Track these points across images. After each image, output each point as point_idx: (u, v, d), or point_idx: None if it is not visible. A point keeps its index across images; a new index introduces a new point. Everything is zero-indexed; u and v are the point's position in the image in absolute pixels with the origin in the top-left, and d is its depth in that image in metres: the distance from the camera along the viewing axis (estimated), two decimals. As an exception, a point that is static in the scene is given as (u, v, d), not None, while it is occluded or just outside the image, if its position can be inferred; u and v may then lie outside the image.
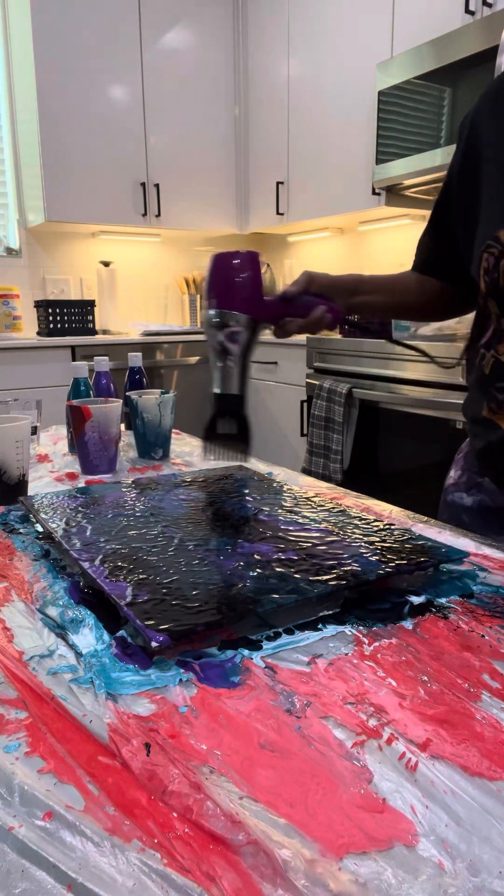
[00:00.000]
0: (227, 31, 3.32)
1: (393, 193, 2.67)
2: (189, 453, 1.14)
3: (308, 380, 2.65)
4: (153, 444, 1.08)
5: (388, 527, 0.68)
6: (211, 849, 0.31)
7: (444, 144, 2.27)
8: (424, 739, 0.38)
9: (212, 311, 0.78)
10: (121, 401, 1.03)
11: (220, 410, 0.80)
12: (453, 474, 0.92)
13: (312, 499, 0.78)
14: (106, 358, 1.27)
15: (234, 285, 0.78)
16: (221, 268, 0.79)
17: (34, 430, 1.17)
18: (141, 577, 0.56)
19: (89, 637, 0.50)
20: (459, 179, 0.83)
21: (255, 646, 0.48)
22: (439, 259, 0.90)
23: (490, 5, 2.12)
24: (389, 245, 3.11)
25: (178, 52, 3.20)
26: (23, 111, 3.11)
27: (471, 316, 0.86)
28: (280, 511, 0.73)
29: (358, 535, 0.66)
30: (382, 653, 0.48)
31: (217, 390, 0.80)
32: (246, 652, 0.48)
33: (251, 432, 0.81)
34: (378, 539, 0.65)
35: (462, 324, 1.93)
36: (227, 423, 0.80)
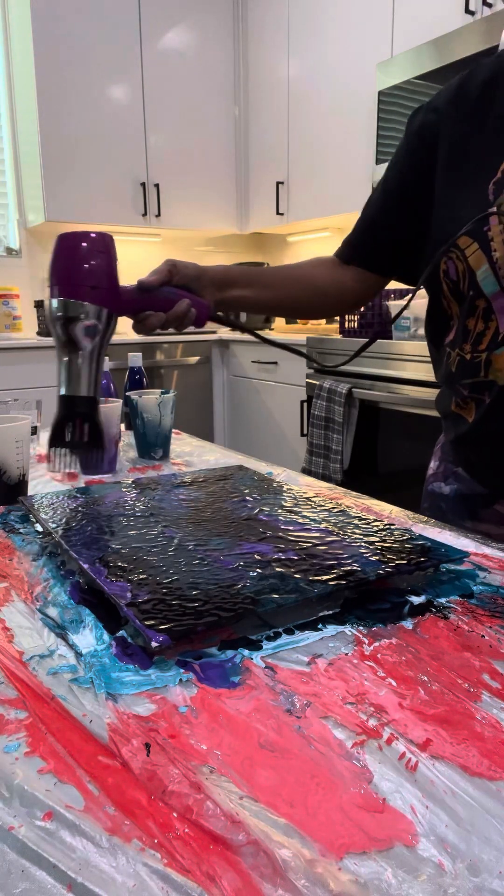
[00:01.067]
0: (227, 31, 3.32)
1: (393, 193, 2.67)
2: (189, 453, 1.14)
3: (308, 380, 2.64)
4: (153, 444, 1.08)
5: (388, 527, 0.68)
6: (211, 849, 0.31)
7: (444, 144, 2.27)
8: (424, 739, 0.38)
9: (56, 301, 0.68)
10: (121, 401, 1.03)
11: (68, 415, 0.70)
12: (433, 465, 0.93)
13: (312, 499, 0.78)
14: (106, 358, 1.27)
15: (83, 271, 0.67)
16: (68, 250, 0.68)
17: (34, 430, 1.17)
18: (141, 577, 0.56)
19: (89, 637, 0.50)
20: (408, 174, 0.81)
21: (255, 646, 0.48)
22: (373, 250, 0.88)
23: (490, 5, 2.12)
24: (389, 245, 3.10)
25: (178, 51, 3.20)
26: (23, 111, 3.11)
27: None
28: (280, 511, 0.73)
29: (358, 535, 0.66)
30: (382, 653, 0.48)
31: (63, 391, 0.70)
32: (246, 652, 0.48)
33: (103, 442, 0.73)
34: (378, 539, 0.65)
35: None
36: (77, 429, 0.70)
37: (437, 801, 0.34)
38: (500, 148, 0.71)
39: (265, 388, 3.06)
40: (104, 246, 0.69)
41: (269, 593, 0.52)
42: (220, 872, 0.30)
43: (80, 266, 0.68)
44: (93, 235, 0.69)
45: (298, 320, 3.23)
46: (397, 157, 0.83)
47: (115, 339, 3.02)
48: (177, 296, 0.75)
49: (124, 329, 3.48)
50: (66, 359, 0.70)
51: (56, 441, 0.71)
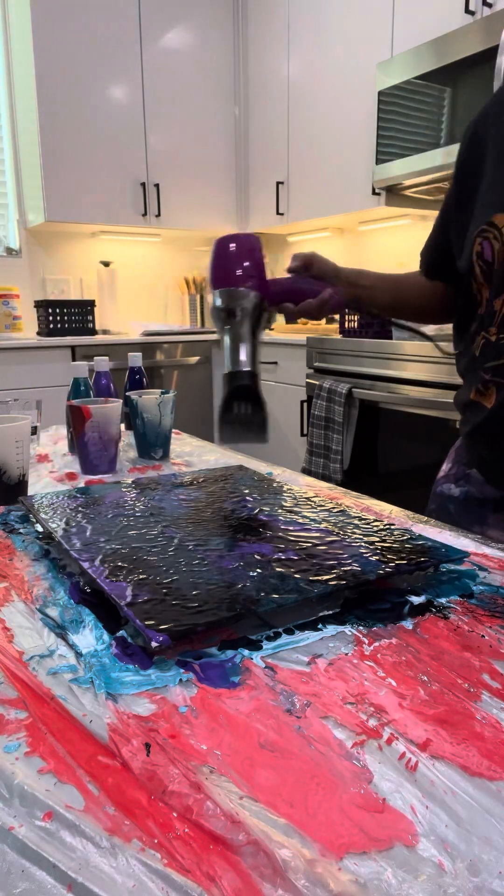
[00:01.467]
0: (227, 31, 3.32)
1: (393, 193, 2.67)
2: (189, 453, 1.14)
3: (308, 380, 2.64)
4: (153, 444, 1.08)
5: (388, 527, 0.68)
6: (211, 849, 0.31)
7: (443, 144, 2.27)
8: (424, 739, 0.38)
9: (218, 290, 0.79)
10: (121, 401, 1.03)
11: (234, 390, 0.78)
12: (445, 467, 0.93)
13: (312, 499, 0.78)
14: (106, 358, 1.27)
15: (238, 263, 0.79)
16: (224, 248, 0.80)
17: (34, 430, 1.17)
18: (141, 577, 0.56)
19: (89, 637, 0.50)
20: (461, 176, 0.83)
21: (255, 646, 0.48)
22: (443, 260, 0.91)
23: (490, 5, 2.12)
24: (389, 245, 3.11)
25: (178, 52, 3.20)
26: (23, 111, 3.11)
27: None
28: (280, 511, 0.73)
29: (358, 535, 0.66)
30: (382, 653, 0.48)
31: (229, 369, 0.78)
32: (246, 652, 0.48)
33: (267, 412, 0.79)
34: (378, 539, 0.65)
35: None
36: (242, 404, 0.78)
37: (437, 801, 0.34)
38: None
39: (265, 388, 3.05)
40: (254, 244, 0.81)
41: (269, 593, 0.52)
42: (220, 872, 0.30)
43: (235, 259, 0.79)
44: (244, 236, 0.81)
45: (303, 321, 3.22)
46: (455, 170, 0.85)
47: (115, 339, 3.02)
48: (317, 285, 0.84)
49: (124, 329, 3.47)
50: (228, 341, 0.79)
51: (225, 416, 0.78)
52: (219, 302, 0.79)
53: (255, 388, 0.78)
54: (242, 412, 0.78)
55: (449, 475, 0.91)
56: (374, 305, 0.94)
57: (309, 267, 0.85)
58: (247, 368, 0.78)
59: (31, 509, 0.75)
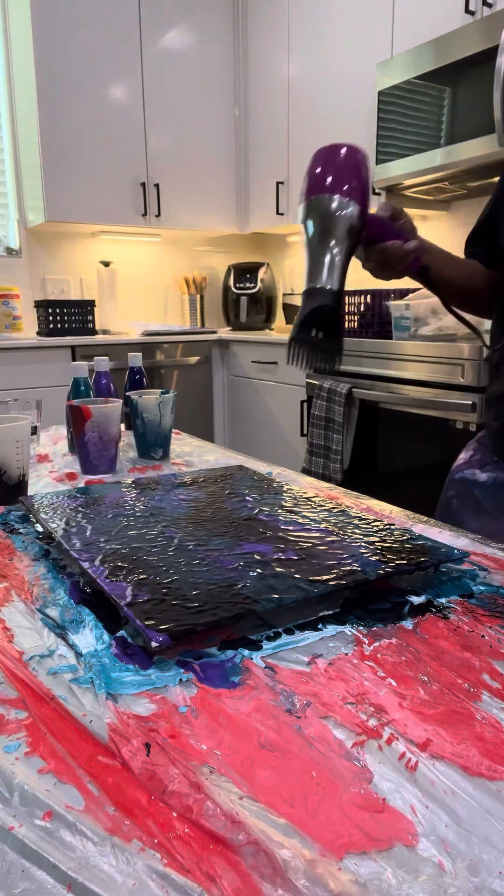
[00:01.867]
0: (227, 31, 3.32)
1: (393, 193, 2.67)
2: (189, 453, 1.14)
3: (308, 380, 2.64)
4: (153, 444, 1.08)
5: (388, 527, 0.68)
6: (211, 849, 0.31)
7: (444, 144, 2.27)
8: (424, 739, 0.38)
9: (316, 196, 0.71)
10: (121, 401, 1.03)
11: (313, 310, 0.69)
12: (464, 455, 0.93)
13: (312, 499, 0.78)
14: (106, 358, 1.27)
15: (344, 173, 0.71)
16: (333, 154, 0.73)
17: (34, 430, 1.17)
18: (141, 577, 0.56)
19: (89, 637, 0.50)
20: None
21: (255, 646, 0.48)
22: (487, 239, 0.91)
23: (490, 5, 2.12)
24: (389, 245, 3.11)
25: (178, 52, 3.20)
26: (23, 111, 3.11)
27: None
28: (280, 511, 0.73)
29: (358, 535, 0.66)
30: (382, 653, 0.48)
31: (311, 284, 0.70)
32: (246, 652, 0.48)
33: (342, 338, 0.72)
34: (378, 539, 0.65)
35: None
36: (318, 325, 0.70)
37: (437, 801, 0.34)
38: None
39: (265, 388, 3.06)
40: (361, 159, 0.73)
41: (269, 593, 0.52)
42: (220, 872, 0.30)
43: (343, 169, 0.72)
44: (353, 147, 0.73)
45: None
46: None
47: (115, 339, 3.02)
48: (403, 235, 0.79)
49: (124, 329, 3.47)
50: (315, 253, 0.71)
51: (300, 335, 0.70)
52: (315, 209, 0.71)
53: (336, 310, 0.70)
54: (317, 337, 0.70)
55: (472, 461, 0.91)
56: (440, 279, 0.90)
57: (396, 217, 0.81)
58: (332, 287, 0.70)
59: (31, 509, 0.75)
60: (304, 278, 0.71)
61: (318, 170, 0.72)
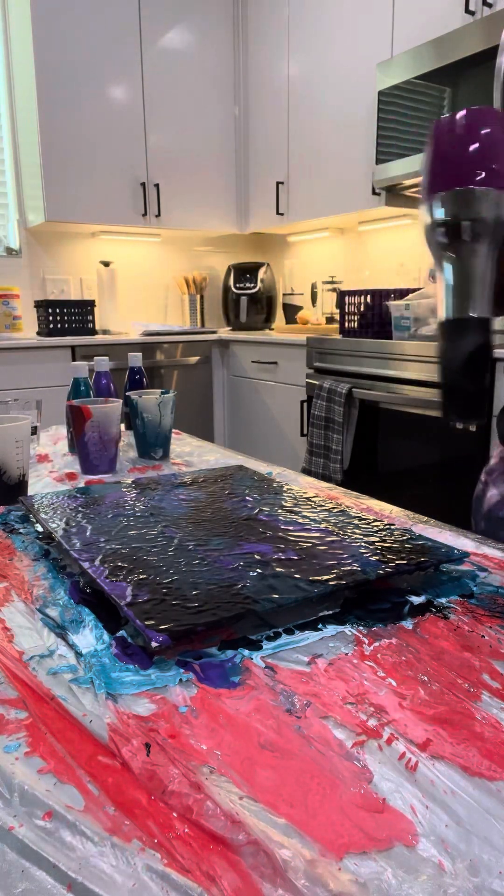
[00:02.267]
0: (227, 31, 3.32)
1: (393, 193, 2.67)
2: (189, 453, 1.14)
3: (308, 380, 2.64)
4: (153, 444, 1.08)
5: (388, 527, 0.68)
6: (211, 849, 0.31)
7: (444, 144, 2.27)
8: (424, 739, 0.38)
9: (442, 194, 0.53)
10: (121, 401, 1.03)
11: (476, 351, 0.53)
12: (494, 493, 0.87)
13: (312, 499, 0.78)
14: (106, 358, 1.27)
15: (479, 153, 0.52)
16: (460, 130, 0.52)
17: (34, 430, 1.17)
18: (141, 577, 0.56)
19: (89, 637, 0.50)
20: None
21: (255, 646, 0.48)
22: None
23: (490, 5, 2.12)
24: (389, 245, 3.11)
25: (178, 52, 3.20)
26: (23, 111, 3.11)
27: None
28: (280, 511, 0.73)
29: (358, 535, 0.66)
30: (382, 653, 0.48)
31: (450, 315, 0.54)
32: (246, 652, 0.48)
33: (486, 377, 0.55)
34: (378, 539, 0.65)
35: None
36: (468, 370, 0.54)
37: (437, 801, 0.34)
38: None
39: (265, 388, 3.06)
40: (492, 119, 0.53)
41: (269, 593, 0.52)
42: (220, 872, 0.30)
43: (479, 148, 0.52)
44: (483, 112, 0.53)
45: (298, 322, 3.23)
46: None
47: (115, 339, 3.02)
48: None
49: (124, 329, 3.47)
50: (454, 272, 0.54)
51: (459, 384, 0.55)
52: (442, 212, 0.53)
53: (486, 346, 0.54)
54: (471, 383, 0.54)
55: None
56: None
57: None
58: (479, 313, 0.53)
59: (31, 509, 0.75)
60: (445, 300, 0.54)
61: (445, 155, 0.53)
